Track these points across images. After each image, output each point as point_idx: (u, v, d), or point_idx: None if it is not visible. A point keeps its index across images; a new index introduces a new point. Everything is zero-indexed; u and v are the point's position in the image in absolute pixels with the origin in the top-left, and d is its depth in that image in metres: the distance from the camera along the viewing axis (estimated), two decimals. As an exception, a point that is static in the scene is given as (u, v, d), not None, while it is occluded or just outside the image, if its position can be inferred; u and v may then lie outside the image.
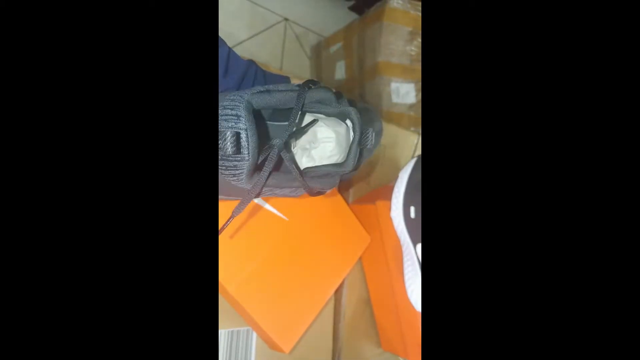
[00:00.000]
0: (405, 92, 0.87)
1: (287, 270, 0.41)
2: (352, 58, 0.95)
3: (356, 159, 0.30)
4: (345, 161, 0.30)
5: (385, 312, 0.54)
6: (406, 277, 0.46)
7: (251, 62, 0.37)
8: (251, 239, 0.40)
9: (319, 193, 0.32)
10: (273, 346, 0.42)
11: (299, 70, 1.04)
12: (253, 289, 0.39)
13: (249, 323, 0.43)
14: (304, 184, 0.30)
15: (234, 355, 0.44)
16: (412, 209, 0.45)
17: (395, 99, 0.86)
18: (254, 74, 0.36)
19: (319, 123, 0.34)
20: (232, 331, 0.44)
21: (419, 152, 0.66)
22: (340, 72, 0.97)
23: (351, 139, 0.30)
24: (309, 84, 0.29)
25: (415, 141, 0.68)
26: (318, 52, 1.06)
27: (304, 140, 0.36)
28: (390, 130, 0.65)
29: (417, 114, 0.87)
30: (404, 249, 0.47)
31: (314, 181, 0.31)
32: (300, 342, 0.47)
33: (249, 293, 0.39)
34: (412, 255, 0.45)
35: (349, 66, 0.96)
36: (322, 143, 0.34)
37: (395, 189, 0.46)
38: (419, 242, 0.45)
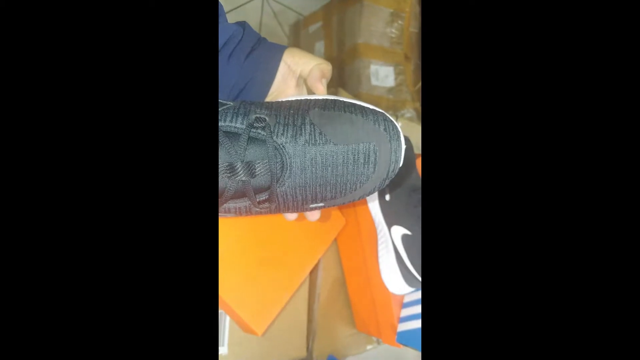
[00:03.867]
0: (385, 76, 0.87)
1: (260, 251, 0.41)
2: (331, 39, 0.93)
3: None
4: None
5: (360, 294, 0.54)
6: (380, 260, 0.47)
7: (237, 30, 0.30)
8: (222, 220, 0.39)
9: None
10: (246, 329, 0.42)
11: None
12: (225, 272, 0.38)
13: (221, 306, 0.43)
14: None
15: (206, 338, 0.43)
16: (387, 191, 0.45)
17: (374, 82, 0.85)
18: (232, 48, 0.29)
19: None
20: (205, 314, 0.44)
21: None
22: (319, 52, 0.95)
23: None
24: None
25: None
26: (296, 31, 1.03)
27: None
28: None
29: (396, 97, 0.86)
30: (378, 230, 0.47)
31: None
32: (274, 324, 0.46)
33: (220, 276, 0.38)
34: (386, 237, 0.46)
35: (328, 47, 0.94)
36: None
37: (371, 171, 0.46)
38: (393, 224, 0.45)
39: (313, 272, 0.53)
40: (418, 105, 0.86)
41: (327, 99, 0.29)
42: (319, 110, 0.27)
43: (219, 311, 0.44)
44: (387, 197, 0.44)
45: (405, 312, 0.49)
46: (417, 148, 0.62)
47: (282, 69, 0.31)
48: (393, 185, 0.44)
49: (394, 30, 0.84)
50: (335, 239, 0.55)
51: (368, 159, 0.26)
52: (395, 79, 0.87)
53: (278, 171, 0.25)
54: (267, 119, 0.26)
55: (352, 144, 0.25)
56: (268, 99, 0.33)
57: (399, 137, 0.26)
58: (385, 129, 0.26)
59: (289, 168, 0.25)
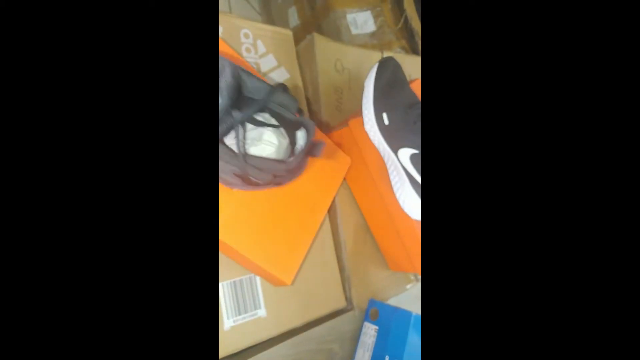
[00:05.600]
0: (363, 22, 0.84)
1: (272, 205, 0.40)
2: (302, 1, 0.91)
3: (300, 162, 0.37)
4: (289, 161, 0.36)
5: (384, 231, 0.53)
6: (395, 188, 0.45)
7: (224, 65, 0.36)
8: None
9: (255, 184, 0.37)
10: (276, 282, 0.42)
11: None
12: (242, 230, 0.38)
13: (248, 267, 0.43)
14: (242, 166, 0.35)
15: (242, 303, 0.43)
16: (385, 115, 0.43)
17: (354, 31, 0.83)
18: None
19: (268, 127, 0.40)
20: (235, 281, 0.44)
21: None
22: (293, 18, 0.93)
23: (299, 147, 0.38)
24: (282, 87, 0.38)
25: (379, 56, 0.66)
26: (267, 4, 1.01)
27: (251, 133, 0.39)
28: (352, 54, 0.63)
29: (380, 40, 0.83)
30: (385, 159, 0.45)
31: (252, 169, 0.36)
32: (308, 280, 0.46)
33: (238, 235, 0.38)
34: (395, 164, 0.44)
35: (300, 10, 0.91)
36: (264, 144, 0.39)
37: (364, 100, 0.44)
38: (399, 148, 0.43)
39: (333, 221, 0.53)
40: (404, 42, 0.83)
41: None
42: None
43: (249, 275, 0.44)
44: (386, 121, 0.43)
45: (434, 237, 0.48)
46: (409, 76, 0.60)
47: None
48: (389, 106, 0.43)
49: (361, -28, 0.81)
50: (347, 182, 0.54)
51: None
52: (375, 22, 0.83)
53: None
54: None
55: None
56: None
57: None
58: None
59: None
